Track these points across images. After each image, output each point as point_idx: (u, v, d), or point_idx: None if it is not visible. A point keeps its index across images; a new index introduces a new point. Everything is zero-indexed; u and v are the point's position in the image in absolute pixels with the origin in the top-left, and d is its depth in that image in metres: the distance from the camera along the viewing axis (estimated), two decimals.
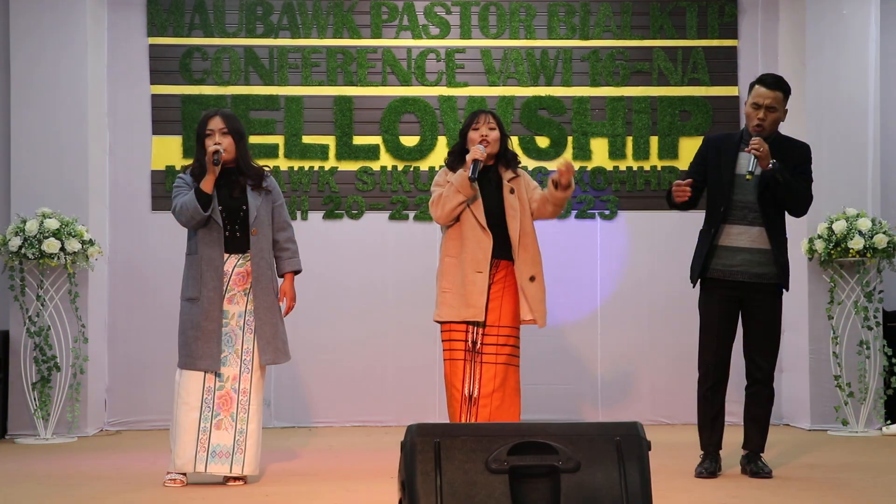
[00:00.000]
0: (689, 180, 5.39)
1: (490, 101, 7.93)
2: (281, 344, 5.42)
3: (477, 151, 5.41)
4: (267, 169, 5.57)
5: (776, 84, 5.44)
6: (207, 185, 5.27)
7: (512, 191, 5.53)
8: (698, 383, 5.47)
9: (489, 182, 5.54)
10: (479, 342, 5.41)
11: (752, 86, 5.50)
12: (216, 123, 5.37)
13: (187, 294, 5.36)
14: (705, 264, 5.41)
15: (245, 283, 5.36)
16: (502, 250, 5.47)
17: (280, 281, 5.52)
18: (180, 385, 5.31)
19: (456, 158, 5.59)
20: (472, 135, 5.53)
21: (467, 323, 5.41)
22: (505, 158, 5.60)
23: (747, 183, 5.35)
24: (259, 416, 5.37)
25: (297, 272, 5.56)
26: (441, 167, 5.71)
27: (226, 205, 5.35)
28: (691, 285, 5.57)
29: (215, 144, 5.29)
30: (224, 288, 5.32)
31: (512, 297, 5.46)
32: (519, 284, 5.46)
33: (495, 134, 5.52)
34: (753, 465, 5.43)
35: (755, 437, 5.49)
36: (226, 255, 5.35)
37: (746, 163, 5.31)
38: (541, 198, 5.57)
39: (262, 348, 5.34)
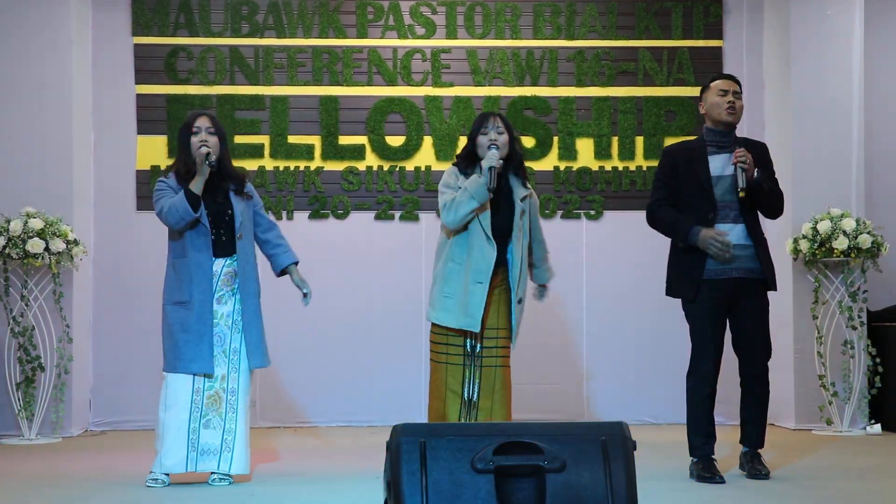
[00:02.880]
0: (726, 233, 5.27)
1: (476, 102, 7.94)
2: (265, 348, 5.46)
3: (493, 158, 5.31)
4: (243, 171, 5.59)
5: (733, 77, 5.58)
6: (198, 186, 5.26)
7: (523, 213, 5.45)
8: (692, 389, 5.40)
9: (499, 191, 5.41)
10: (478, 346, 5.38)
11: (706, 86, 5.54)
12: (203, 122, 5.36)
13: (175, 298, 5.32)
14: (701, 269, 5.34)
15: (232, 283, 5.36)
16: (502, 258, 5.41)
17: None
18: (168, 388, 5.29)
19: (466, 161, 5.47)
20: (482, 139, 5.41)
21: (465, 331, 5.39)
22: (514, 162, 5.49)
23: (723, 183, 5.34)
24: (247, 416, 5.37)
25: (296, 263, 5.62)
26: (452, 166, 5.58)
27: (211, 209, 5.34)
28: (683, 298, 5.44)
29: (202, 143, 5.28)
30: (214, 290, 5.32)
31: (507, 301, 5.44)
32: (502, 300, 5.44)
33: (504, 138, 5.40)
34: (751, 466, 5.41)
35: (753, 435, 5.46)
36: (213, 259, 5.35)
37: (727, 164, 5.34)
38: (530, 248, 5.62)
39: (251, 353, 5.35)
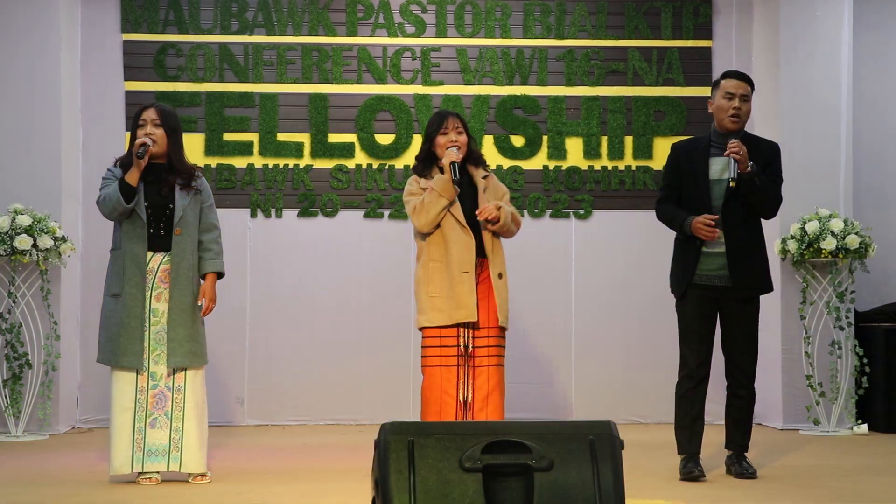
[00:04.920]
0: (716, 217, 5.30)
1: (465, 100, 7.94)
2: (196, 346, 5.32)
3: (452, 154, 5.36)
4: (198, 171, 5.49)
5: (744, 76, 5.50)
6: (132, 177, 5.19)
7: (485, 189, 5.48)
8: (678, 384, 5.45)
9: (462, 183, 5.45)
10: (470, 345, 5.33)
11: (716, 83, 5.52)
12: (149, 114, 5.32)
13: (110, 290, 5.29)
14: (692, 272, 5.37)
15: (170, 279, 5.31)
16: (482, 249, 5.41)
17: (201, 282, 5.43)
18: (113, 387, 5.25)
19: (425, 165, 5.50)
20: (441, 139, 5.44)
21: (459, 326, 5.32)
22: (473, 158, 5.56)
23: (720, 187, 5.34)
24: (198, 413, 5.30)
25: (219, 274, 5.46)
26: (410, 176, 5.62)
27: (152, 202, 5.27)
28: (674, 295, 5.49)
29: (145, 135, 5.25)
30: (150, 285, 5.26)
31: (493, 296, 5.42)
32: (486, 289, 5.41)
33: (463, 138, 5.46)
34: (738, 466, 5.42)
35: (737, 438, 5.48)
36: (150, 253, 5.28)
37: (726, 168, 5.29)
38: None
39: (172, 350, 5.24)
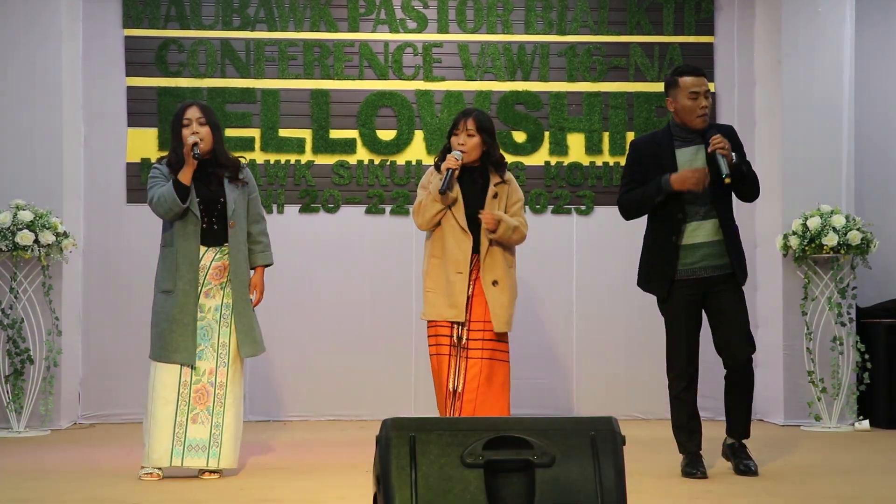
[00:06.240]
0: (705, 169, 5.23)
1: (467, 96, 7.93)
2: (258, 336, 5.43)
3: (451, 160, 5.51)
4: (243, 160, 5.58)
5: (701, 72, 5.42)
6: (185, 176, 5.25)
7: (495, 195, 5.60)
8: (670, 386, 5.42)
9: (474, 183, 5.61)
10: (464, 338, 5.46)
11: (673, 80, 5.38)
12: (193, 113, 5.35)
13: (162, 287, 5.34)
14: (674, 269, 5.32)
15: (221, 277, 5.35)
16: (478, 248, 5.54)
17: (251, 273, 5.52)
18: (155, 379, 5.27)
19: (443, 160, 5.64)
20: (453, 140, 5.61)
21: (450, 322, 5.50)
22: (492, 161, 5.63)
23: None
24: (237, 409, 5.36)
25: (268, 265, 5.59)
26: (432, 166, 5.77)
27: (203, 197, 5.33)
28: (656, 295, 5.45)
29: (193, 134, 5.27)
30: (201, 281, 5.31)
31: None
32: (483, 289, 5.51)
33: (473, 141, 5.55)
34: (739, 461, 5.39)
35: (738, 426, 5.45)
36: (203, 248, 5.33)
37: (694, 158, 5.27)
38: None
39: (242, 341, 5.34)
